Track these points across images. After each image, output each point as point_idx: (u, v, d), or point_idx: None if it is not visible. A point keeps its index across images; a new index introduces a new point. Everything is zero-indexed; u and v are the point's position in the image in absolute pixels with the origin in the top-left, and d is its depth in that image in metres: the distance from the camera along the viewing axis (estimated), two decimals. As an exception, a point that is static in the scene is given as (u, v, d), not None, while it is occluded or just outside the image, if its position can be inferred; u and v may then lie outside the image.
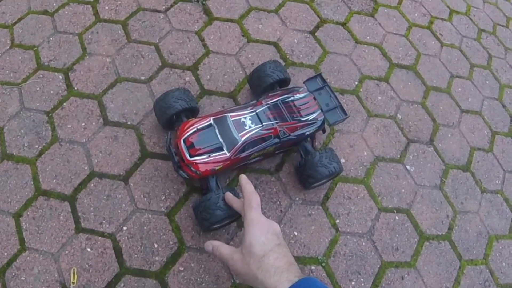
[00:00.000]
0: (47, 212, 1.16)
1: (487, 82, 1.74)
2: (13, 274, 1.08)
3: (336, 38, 1.65)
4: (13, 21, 1.51)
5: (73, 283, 1.08)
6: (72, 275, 1.09)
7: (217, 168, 1.11)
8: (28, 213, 1.16)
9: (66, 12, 1.54)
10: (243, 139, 1.12)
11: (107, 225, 1.16)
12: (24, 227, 1.14)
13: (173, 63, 1.46)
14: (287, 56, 1.55)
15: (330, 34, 1.66)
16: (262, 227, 0.90)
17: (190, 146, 1.10)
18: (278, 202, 1.26)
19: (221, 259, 0.94)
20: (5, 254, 1.10)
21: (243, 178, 1.03)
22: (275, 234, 0.90)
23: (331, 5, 1.75)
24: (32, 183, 1.20)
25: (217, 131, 1.12)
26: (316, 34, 1.64)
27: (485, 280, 1.31)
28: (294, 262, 0.87)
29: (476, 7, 2.03)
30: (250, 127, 1.14)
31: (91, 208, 1.18)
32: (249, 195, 0.97)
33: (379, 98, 1.54)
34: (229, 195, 1.05)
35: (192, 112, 1.26)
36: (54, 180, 1.21)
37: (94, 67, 1.41)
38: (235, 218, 1.12)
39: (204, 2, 1.62)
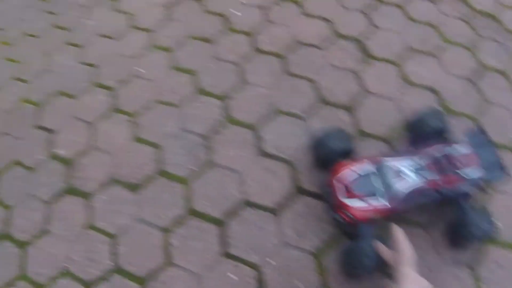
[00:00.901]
0: (196, 232, 1.21)
1: None
2: (157, 287, 1.13)
3: (500, 88, 1.56)
4: (176, 46, 1.61)
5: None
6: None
7: (372, 215, 1.09)
8: (177, 230, 1.21)
9: (226, 41, 1.61)
10: (403, 190, 1.09)
11: (254, 255, 1.18)
12: (172, 243, 1.19)
13: (330, 100, 1.46)
14: (446, 104, 1.49)
15: (493, 83, 1.57)
16: (414, 284, 0.89)
17: (346, 189, 1.09)
18: (427, 259, 1.21)
19: None
20: (150, 264, 1.16)
21: (398, 230, 0.99)
22: None
23: (493, 51, 1.67)
24: (184, 202, 1.26)
25: (375, 177, 1.11)
26: (478, 82, 1.57)
27: None
28: None
29: None
30: (410, 178, 1.11)
31: (240, 236, 1.21)
32: (404, 249, 0.95)
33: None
34: (380, 245, 1.03)
35: (349, 154, 1.25)
36: (206, 202, 1.26)
37: (252, 97, 1.46)
38: (383, 268, 1.09)
39: (361, 41, 1.62)
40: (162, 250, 1.19)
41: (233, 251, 1.18)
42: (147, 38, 1.67)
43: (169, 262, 1.17)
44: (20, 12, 1.97)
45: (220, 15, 1.71)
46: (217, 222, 1.23)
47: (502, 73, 1.60)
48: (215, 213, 1.24)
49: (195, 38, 1.63)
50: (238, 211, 1.24)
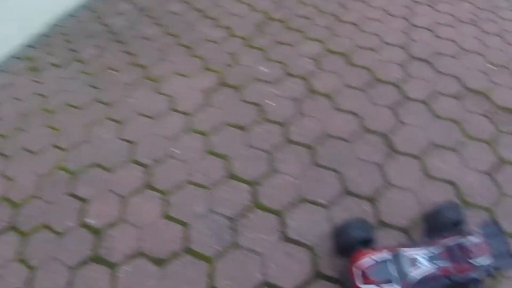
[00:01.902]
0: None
1: None
2: None
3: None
4: (211, 130, 1.70)
5: None
6: None
7: (387, 300, 1.12)
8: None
9: (259, 130, 1.71)
10: (416, 277, 1.13)
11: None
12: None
13: (353, 192, 1.52)
14: (463, 196, 1.54)
15: (509, 176, 1.62)
16: None
17: (364, 275, 1.13)
18: None
19: None
20: None
21: None
22: None
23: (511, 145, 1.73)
24: (207, 279, 1.29)
25: (392, 265, 1.15)
26: (494, 175, 1.62)
27: None
28: None
29: None
30: (424, 265, 1.15)
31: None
32: None
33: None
34: None
35: (368, 243, 1.29)
36: (228, 282, 1.28)
37: (279, 185, 1.53)
38: None
39: (387, 136, 1.70)
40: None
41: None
42: (184, 121, 1.77)
43: None
44: (65, 83, 2.12)
45: (256, 104, 1.82)
46: (239, 301, 1.25)
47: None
48: (238, 293, 1.27)
49: (230, 125, 1.73)
50: (259, 292, 1.27)
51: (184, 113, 1.81)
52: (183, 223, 1.43)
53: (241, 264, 1.32)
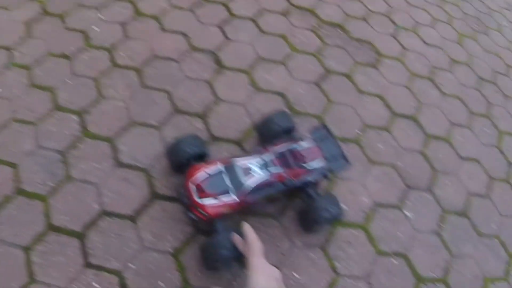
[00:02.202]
0: (57, 247, 1.21)
1: (485, 129, 1.80)
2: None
3: (340, 89, 1.72)
4: (33, 63, 1.59)
5: (79, 317, 1.12)
6: (79, 309, 1.13)
7: (225, 211, 1.16)
8: (38, 247, 1.20)
9: (84, 57, 1.62)
10: (250, 185, 1.18)
11: (115, 262, 1.20)
12: (34, 261, 1.18)
13: (184, 110, 1.53)
14: (293, 106, 1.62)
15: (335, 85, 1.73)
16: (264, 273, 0.97)
17: (200, 190, 1.15)
18: (280, 245, 1.30)
19: None
20: (14, 285, 1.14)
21: (246, 226, 1.11)
22: (276, 279, 0.97)
23: (336, 56, 1.83)
24: (43, 218, 1.25)
25: (226, 176, 1.18)
26: (321, 84, 1.71)
27: (480, 324, 1.35)
28: None
29: (477, 56, 2.10)
30: (258, 173, 1.20)
31: (100, 245, 1.22)
32: (252, 242, 1.05)
33: (380, 146, 1.59)
34: (236, 236, 1.11)
35: (202, 157, 1.32)
36: (65, 217, 1.26)
37: (109, 111, 1.49)
38: (240, 259, 1.17)
39: (215, 53, 1.71)
40: (24, 269, 1.17)
41: (94, 261, 1.20)
42: (5, 56, 1.61)
43: (32, 280, 1.16)
44: None
45: (81, 31, 1.71)
46: (78, 235, 1.23)
47: (346, 75, 1.76)
48: (75, 227, 1.24)
49: (54, 55, 1.62)
50: (97, 222, 1.26)
51: (4, 47, 1.65)
52: (11, 164, 1.34)
53: (77, 197, 1.30)
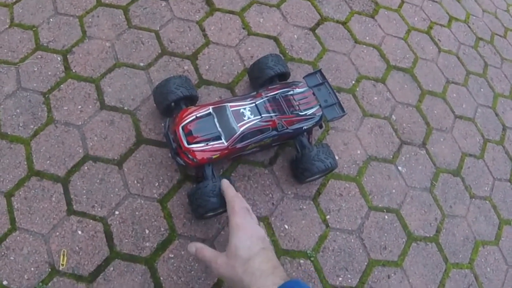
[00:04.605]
0: (39, 193, 1.16)
1: (482, 90, 1.76)
2: (2, 253, 1.08)
3: (336, 37, 1.66)
4: (13, 0, 1.50)
5: (63, 264, 1.09)
6: (61, 256, 1.09)
7: (214, 156, 1.11)
8: (20, 193, 1.16)
9: (72, -5, 1.53)
10: (241, 129, 1.12)
11: (99, 209, 1.16)
12: (16, 207, 1.14)
13: (172, 51, 1.46)
14: (287, 51, 1.56)
15: (330, 32, 1.66)
16: (247, 232, 0.91)
17: (188, 134, 1.10)
18: (270, 195, 1.27)
19: (205, 262, 0.95)
20: (-5, 232, 1.10)
21: (225, 182, 1.06)
22: (260, 238, 0.92)
23: (333, 3, 1.76)
24: (25, 163, 1.20)
25: (216, 120, 1.13)
26: (316, 31, 1.65)
27: (469, 284, 1.33)
28: (280, 265, 0.88)
29: (476, 15, 2.05)
30: (249, 118, 1.14)
31: (84, 191, 1.18)
32: (231, 200, 0.99)
33: (375, 98, 1.55)
34: (226, 182, 1.06)
35: (192, 100, 1.26)
36: (48, 161, 1.21)
37: (93, 51, 1.41)
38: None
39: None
40: (6, 215, 1.13)
41: (78, 207, 1.16)
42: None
43: (14, 227, 1.11)
44: None
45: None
46: (61, 180, 1.19)
47: (342, 23, 1.70)
48: (59, 172, 1.20)
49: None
50: (81, 167, 1.21)
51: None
52: (-10, 107, 1.29)
53: (60, 140, 1.24)
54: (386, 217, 1.34)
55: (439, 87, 1.68)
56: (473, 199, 1.48)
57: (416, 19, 1.87)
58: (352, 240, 1.27)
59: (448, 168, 1.50)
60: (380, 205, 1.35)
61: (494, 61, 1.90)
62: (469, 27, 1.97)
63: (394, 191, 1.39)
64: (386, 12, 1.82)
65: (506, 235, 1.47)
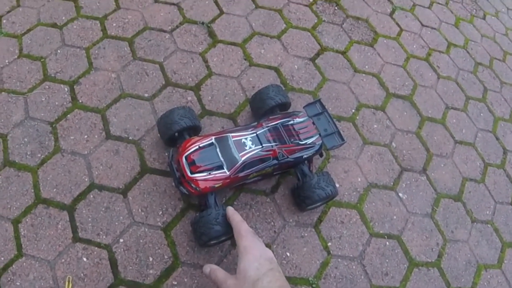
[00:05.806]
0: (46, 220, 1.19)
1: (481, 114, 1.79)
2: (9, 279, 1.10)
3: (336, 66, 1.69)
4: (23, 32, 1.55)
5: (68, 291, 1.11)
6: (66, 283, 1.11)
7: (216, 185, 1.14)
8: (27, 220, 1.18)
9: (75, 27, 1.58)
10: (243, 159, 1.15)
11: (104, 236, 1.18)
12: (22, 234, 1.16)
13: (176, 82, 1.50)
14: (287, 81, 1.59)
15: (330, 62, 1.70)
16: (255, 253, 0.94)
17: (191, 163, 1.13)
18: (272, 223, 1.29)
19: (216, 283, 0.98)
20: (2, 259, 1.12)
21: (230, 209, 1.08)
22: (268, 259, 0.94)
23: (332, 33, 1.80)
24: (32, 191, 1.23)
25: (218, 150, 1.16)
26: (316, 61, 1.69)
27: (472, 309, 1.34)
28: (288, 285, 0.91)
29: (474, 40, 2.08)
30: (250, 147, 1.17)
31: (89, 219, 1.20)
32: (237, 225, 1.02)
33: (375, 126, 1.57)
34: (231, 209, 1.09)
35: (195, 131, 1.29)
36: (54, 189, 1.23)
37: (99, 82, 1.45)
38: (232, 236, 1.15)
39: (209, 25, 1.67)
40: (13, 242, 1.15)
41: (83, 235, 1.18)
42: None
43: (20, 253, 1.14)
44: None
45: (72, 0, 1.66)
46: (67, 208, 1.21)
47: (341, 53, 1.74)
48: (65, 200, 1.22)
49: (43, 25, 1.58)
50: (87, 196, 1.24)
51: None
52: (0, 135, 1.32)
53: (66, 169, 1.27)
54: (387, 243, 1.35)
55: (439, 113, 1.70)
56: (475, 223, 1.49)
57: (414, 46, 1.90)
58: (354, 267, 1.29)
59: (449, 193, 1.52)
60: (381, 232, 1.37)
61: (493, 85, 1.93)
62: (468, 52, 2.01)
63: (395, 217, 1.40)
64: (385, 41, 1.86)
65: (509, 258, 1.47)
